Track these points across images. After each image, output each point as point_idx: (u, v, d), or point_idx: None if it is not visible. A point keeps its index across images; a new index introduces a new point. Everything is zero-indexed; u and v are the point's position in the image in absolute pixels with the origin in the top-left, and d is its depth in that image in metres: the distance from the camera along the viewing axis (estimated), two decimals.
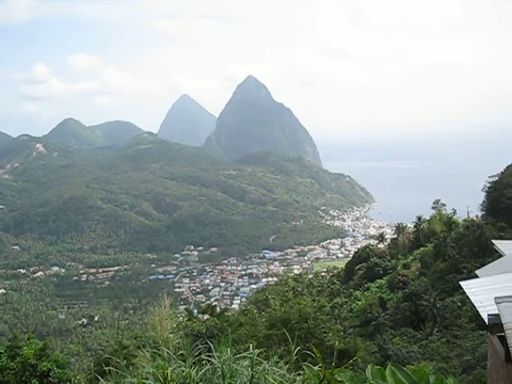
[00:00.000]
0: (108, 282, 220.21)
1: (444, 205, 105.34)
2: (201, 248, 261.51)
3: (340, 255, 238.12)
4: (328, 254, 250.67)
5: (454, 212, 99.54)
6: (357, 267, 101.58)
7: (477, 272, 17.39)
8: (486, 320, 8.63)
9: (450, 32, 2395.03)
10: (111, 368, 5.94)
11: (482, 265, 19.44)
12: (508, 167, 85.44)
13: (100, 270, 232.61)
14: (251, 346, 6.44)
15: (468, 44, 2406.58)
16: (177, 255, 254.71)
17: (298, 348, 6.14)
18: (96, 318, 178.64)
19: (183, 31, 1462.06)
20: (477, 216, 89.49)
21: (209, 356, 6.15)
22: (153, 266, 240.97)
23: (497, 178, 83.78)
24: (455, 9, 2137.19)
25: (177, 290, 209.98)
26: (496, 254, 19.80)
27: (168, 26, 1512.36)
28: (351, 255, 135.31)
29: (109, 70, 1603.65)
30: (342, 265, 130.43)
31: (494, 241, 21.02)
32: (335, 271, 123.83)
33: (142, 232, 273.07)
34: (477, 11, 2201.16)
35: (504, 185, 77.52)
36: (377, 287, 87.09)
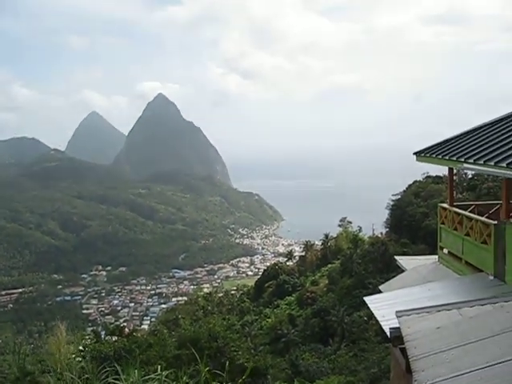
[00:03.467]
0: (12, 305, 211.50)
1: (350, 222, 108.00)
2: (109, 268, 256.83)
3: (250, 273, 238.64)
4: (238, 272, 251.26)
5: (360, 229, 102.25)
6: (266, 285, 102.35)
7: (380, 287, 18.03)
8: (388, 333, 8.96)
9: (355, 56, 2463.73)
10: None
11: (387, 280, 20.08)
12: (409, 186, 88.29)
13: (3, 293, 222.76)
14: (159, 367, 6.44)
15: (371, 68, 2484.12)
16: (84, 275, 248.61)
17: (208, 368, 6.19)
18: None
19: (92, 48, 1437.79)
20: (381, 233, 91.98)
21: (116, 379, 6.11)
22: (59, 287, 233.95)
23: (399, 196, 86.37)
24: (360, 35, 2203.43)
25: (84, 311, 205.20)
26: (399, 270, 20.56)
27: (77, 43, 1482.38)
28: (261, 273, 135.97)
29: (15, 85, 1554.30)
30: (251, 283, 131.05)
31: (396, 257, 21.87)
32: (245, 289, 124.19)
33: (48, 252, 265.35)
34: (380, 38, 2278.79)
35: (406, 203, 79.97)
36: (286, 304, 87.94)
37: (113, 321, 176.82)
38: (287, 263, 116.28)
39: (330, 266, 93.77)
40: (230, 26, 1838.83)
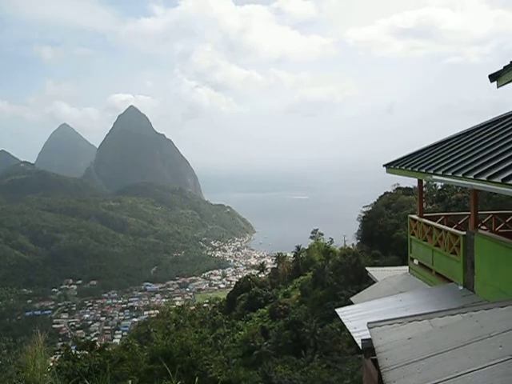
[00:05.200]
0: None
1: (322, 234, 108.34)
2: (80, 281, 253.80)
3: (222, 286, 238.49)
4: (210, 285, 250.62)
5: (331, 241, 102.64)
6: (238, 297, 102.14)
7: (352, 299, 18.12)
8: (360, 345, 9.00)
9: (326, 68, 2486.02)
10: None
11: (359, 291, 20.22)
12: (380, 198, 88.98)
13: None
14: (131, 382, 6.40)
15: (342, 81, 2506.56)
16: (55, 289, 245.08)
17: (180, 382, 6.16)
18: None
19: (63, 59, 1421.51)
20: (353, 244, 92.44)
21: None
22: (29, 301, 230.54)
23: (370, 208, 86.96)
24: (331, 48, 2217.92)
25: (55, 326, 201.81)
26: (371, 281, 20.69)
27: (48, 54, 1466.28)
28: (233, 285, 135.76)
29: None
30: (223, 295, 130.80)
31: (367, 268, 22.03)
32: (217, 302, 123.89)
33: (18, 266, 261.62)
34: (351, 51, 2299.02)
35: (377, 214, 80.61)
36: (259, 316, 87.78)
37: (84, 335, 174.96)
38: (259, 275, 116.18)
39: (302, 277, 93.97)
40: (202, 39, 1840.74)
